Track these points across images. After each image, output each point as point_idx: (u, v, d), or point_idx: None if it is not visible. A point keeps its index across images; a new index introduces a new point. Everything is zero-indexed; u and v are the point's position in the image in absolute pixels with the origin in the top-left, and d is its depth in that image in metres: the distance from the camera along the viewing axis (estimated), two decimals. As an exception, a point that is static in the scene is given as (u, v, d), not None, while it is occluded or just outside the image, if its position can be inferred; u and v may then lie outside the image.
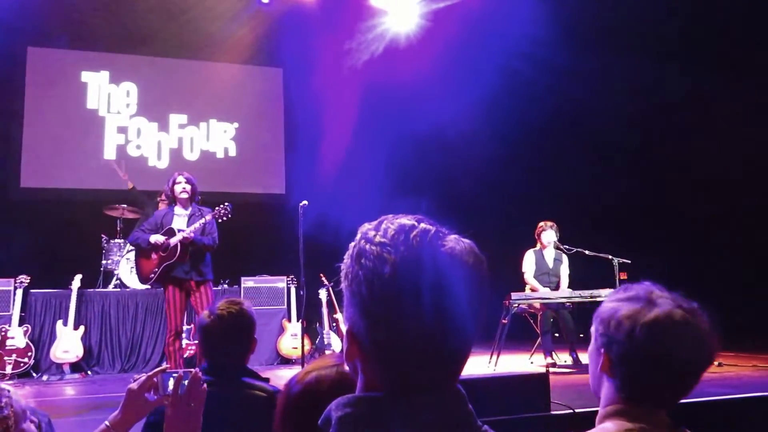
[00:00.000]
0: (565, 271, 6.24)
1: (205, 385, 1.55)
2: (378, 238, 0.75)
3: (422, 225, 0.76)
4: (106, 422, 1.51)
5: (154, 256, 4.95)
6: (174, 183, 5.04)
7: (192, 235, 4.83)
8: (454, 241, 0.76)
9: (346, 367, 1.38)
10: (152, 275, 4.94)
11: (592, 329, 1.26)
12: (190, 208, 5.05)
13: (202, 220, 4.91)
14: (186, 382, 1.53)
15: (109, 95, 9.27)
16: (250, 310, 2.19)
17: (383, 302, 0.73)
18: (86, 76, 9.20)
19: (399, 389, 0.73)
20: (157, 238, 4.87)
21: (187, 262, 4.87)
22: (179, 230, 4.89)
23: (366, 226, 0.79)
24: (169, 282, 4.89)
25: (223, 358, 2.08)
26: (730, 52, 7.49)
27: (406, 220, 0.77)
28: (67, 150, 8.86)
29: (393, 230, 0.75)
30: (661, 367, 1.15)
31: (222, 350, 2.09)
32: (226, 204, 5.00)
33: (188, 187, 5.02)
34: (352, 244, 0.79)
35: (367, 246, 0.75)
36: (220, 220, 4.99)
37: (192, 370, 1.56)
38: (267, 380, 2.14)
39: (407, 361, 0.73)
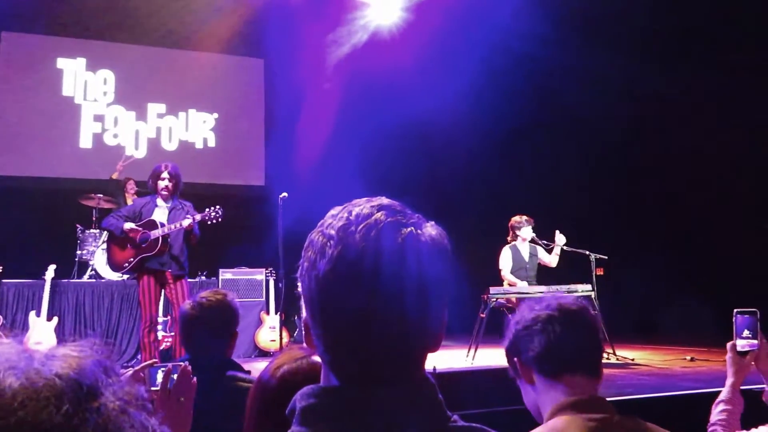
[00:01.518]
0: (544, 255, 6.24)
1: (195, 379, 1.53)
2: (329, 229, 0.73)
3: (377, 215, 0.72)
4: None
5: (130, 245, 4.81)
6: (158, 178, 4.85)
7: (191, 225, 4.71)
8: (411, 234, 0.72)
9: (316, 358, 1.40)
10: (126, 264, 4.82)
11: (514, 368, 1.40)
12: (171, 201, 4.92)
13: (190, 220, 4.73)
14: (175, 376, 1.51)
15: (85, 82, 9.11)
16: (234, 302, 2.18)
17: (319, 298, 0.72)
18: (62, 62, 9.02)
19: (360, 380, 0.72)
20: (132, 226, 4.72)
21: (165, 255, 4.78)
22: (160, 223, 4.78)
23: (330, 212, 0.77)
24: (144, 272, 4.77)
25: (203, 349, 2.06)
26: (715, 50, 7.59)
27: (366, 208, 0.74)
28: (42, 138, 8.69)
29: (345, 220, 0.72)
30: (549, 329, 1.29)
31: (202, 341, 2.08)
32: (218, 207, 4.83)
33: (170, 185, 4.85)
34: (311, 231, 0.77)
35: (317, 237, 0.74)
36: (209, 222, 4.84)
37: (181, 363, 1.55)
38: (248, 373, 2.13)
39: (349, 355, 0.72)
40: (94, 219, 7.44)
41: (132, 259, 4.79)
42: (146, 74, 9.35)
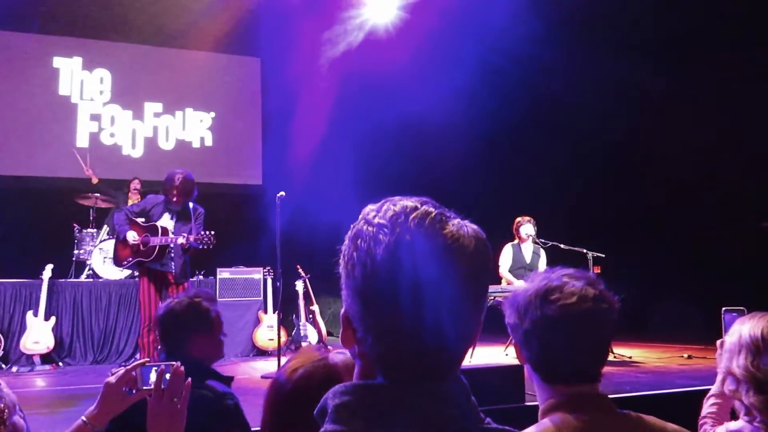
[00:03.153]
0: (542, 265, 6.29)
1: (189, 380, 1.51)
2: (377, 219, 0.73)
3: (424, 207, 0.73)
4: (83, 417, 1.47)
5: (132, 246, 4.94)
6: (173, 186, 4.93)
7: (187, 244, 4.80)
8: (457, 226, 0.73)
9: (333, 360, 1.39)
10: (125, 263, 5.07)
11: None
12: (181, 206, 5.03)
13: (182, 239, 4.80)
14: (168, 376, 1.48)
15: (81, 82, 9.09)
16: (207, 305, 2.16)
17: (375, 286, 0.70)
18: (58, 61, 9.00)
19: (397, 377, 0.71)
20: (134, 237, 4.86)
21: (166, 257, 4.90)
22: (162, 230, 4.88)
23: (368, 207, 0.77)
24: (145, 272, 4.91)
25: (175, 352, 2.07)
26: (707, 49, 7.60)
27: (409, 202, 0.74)
28: (39, 137, 8.66)
29: (393, 212, 0.73)
30: (549, 338, 1.15)
31: (172, 343, 2.10)
32: (211, 234, 4.87)
33: (180, 199, 4.96)
34: (353, 224, 0.77)
35: (365, 227, 0.73)
36: (200, 247, 4.89)
37: (174, 363, 1.52)
38: (230, 379, 2.14)
39: (401, 348, 0.70)
40: (91, 218, 7.43)
41: (130, 259, 4.98)
42: (143, 73, 9.33)
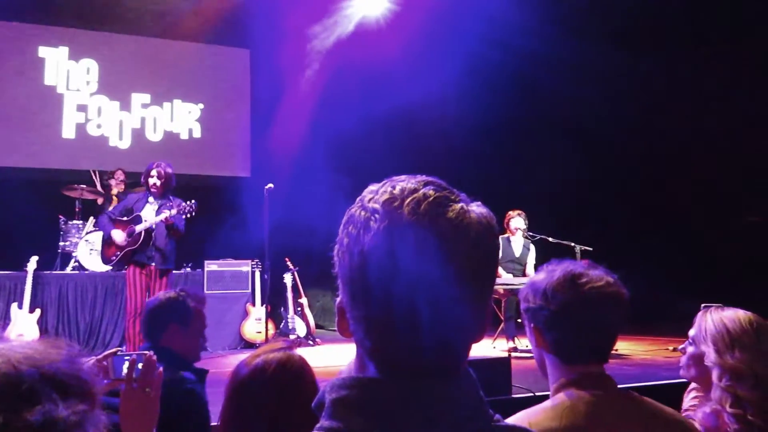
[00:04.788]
0: (531, 259, 6.32)
1: (161, 369, 1.50)
2: (371, 203, 0.68)
3: (424, 190, 0.67)
4: None
5: (118, 241, 5.06)
6: (148, 175, 5.13)
7: (172, 219, 4.96)
8: (458, 212, 0.67)
9: (294, 351, 1.42)
10: (114, 258, 5.12)
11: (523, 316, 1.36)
12: (161, 199, 5.16)
13: (167, 213, 4.97)
14: (140, 366, 1.47)
15: (68, 72, 8.98)
16: (192, 303, 2.22)
17: (362, 276, 0.66)
18: (44, 51, 8.88)
19: (390, 371, 0.66)
20: (116, 235, 5.03)
21: (151, 248, 5.00)
22: (145, 219, 5.02)
23: (369, 188, 0.71)
24: (131, 264, 5.03)
25: (154, 342, 2.16)
26: (701, 44, 7.64)
27: (410, 183, 0.68)
28: (24, 128, 8.55)
29: (389, 195, 0.67)
30: (576, 320, 1.24)
31: (152, 333, 2.19)
32: (192, 201, 5.07)
33: (159, 183, 5.10)
34: (350, 207, 0.72)
35: (358, 212, 0.68)
36: (184, 216, 5.07)
37: (146, 353, 1.51)
38: (205, 372, 2.20)
39: (392, 342, 0.66)
40: (77, 210, 7.36)
41: (119, 253, 5.04)
42: (130, 64, 9.23)
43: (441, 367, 0.67)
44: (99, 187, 7.61)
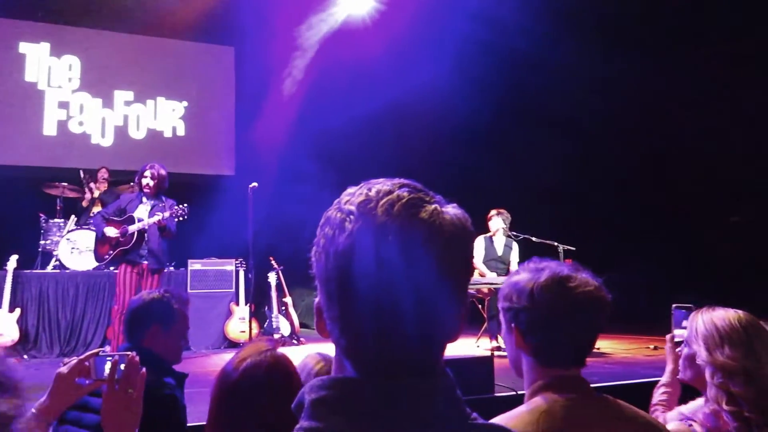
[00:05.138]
0: (515, 258, 6.37)
1: (144, 370, 1.49)
2: (347, 205, 0.69)
3: (398, 192, 0.69)
4: (33, 409, 1.42)
5: (111, 235, 5.19)
6: (141, 176, 5.27)
7: (165, 221, 5.10)
8: (431, 213, 0.68)
9: (280, 351, 1.41)
10: (107, 257, 5.21)
11: (500, 315, 1.34)
12: (154, 199, 5.29)
13: (159, 216, 5.08)
14: (123, 366, 1.44)
15: (49, 68, 8.87)
16: (176, 305, 2.19)
17: (336, 276, 0.67)
18: (24, 47, 8.76)
19: (367, 371, 0.67)
20: (111, 232, 5.14)
21: (143, 248, 5.13)
22: (139, 219, 5.14)
23: (347, 191, 0.73)
24: (123, 262, 5.13)
25: (133, 341, 2.13)
26: (691, 44, 7.72)
27: (385, 186, 0.70)
28: (4, 124, 8.44)
29: (364, 197, 0.69)
30: (563, 323, 1.22)
31: (132, 332, 2.16)
32: (184, 205, 5.22)
33: (152, 183, 5.23)
34: (328, 209, 0.73)
35: (334, 213, 0.70)
36: (176, 219, 5.21)
37: (128, 353, 1.48)
38: (184, 376, 2.16)
39: (367, 342, 0.67)
40: (58, 208, 7.27)
41: (111, 252, 5.16)
42: (113, 61, 9.13)
43: (418, 366, 0.68)
44: (87, 187, 7.51)
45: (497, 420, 1.17)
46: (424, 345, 0.68)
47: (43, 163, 8.38)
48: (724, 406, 1.54)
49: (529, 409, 1.20)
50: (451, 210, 0.71)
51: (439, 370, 0.70)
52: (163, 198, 5.33)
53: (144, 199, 5.26)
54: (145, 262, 5.11)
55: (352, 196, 0.70)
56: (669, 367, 2.14)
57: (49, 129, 8.73)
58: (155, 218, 5.05)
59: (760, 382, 1.50)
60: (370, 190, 0.70)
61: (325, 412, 0.67)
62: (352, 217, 0.67)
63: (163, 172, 5.30)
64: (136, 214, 5.18)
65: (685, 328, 1.97)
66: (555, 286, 1.23)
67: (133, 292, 5.05)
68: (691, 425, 1.54)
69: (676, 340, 2.08)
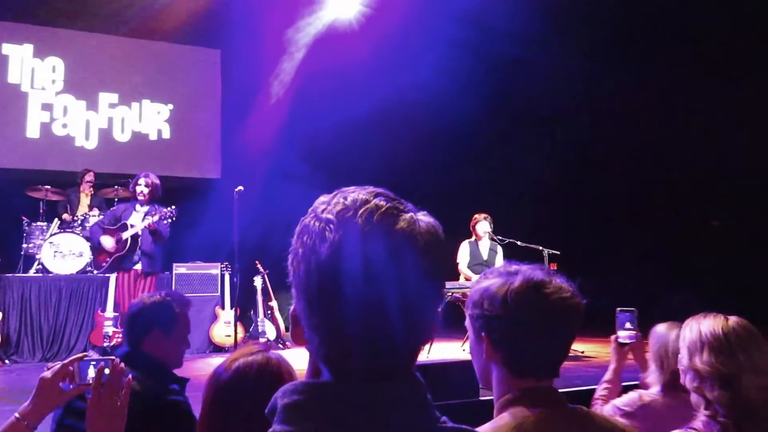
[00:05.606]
0: (499, 262, 6.40)
1: (130, 376, 1.47)
2: (325, 214, 0.70)
3: (375, 201, 0.70)
4: (16, 414, 1.41)
5: (108, 247, 5.47)
6: (135, 184, 5.54)
7: (155, 225, 5.38)
8: (409, 221, 0.70)
9: (271, 354, 1.39)
10: (104, 264, 5.48)
11: (467, 322, 1.25)
12: (147, 206, 5.56)
13: (149, 219, 5.35)
14: (107, 371, 1.43)
15: (32, 70, 8.78)
16: (177, 308, 2.16)
17: (319, 285, 0.68)
18: (7, 48, 8.67)
19: (345, 376, 0.69)
20: (106, 242, 5.42)
21: (137, 253, 5.40)
22: (131, 225, 5.39)
23: (320, 199, 0.73)
24: (120, 269, 5.43)
25: (135, 346, 2.09)
26: (674, 49, 7.81)
27: (361, 194, 0.71)
28: (-15, 126, 8.34)
29: (342, 206, 0.70)
30: (538, 331, 1.15)
31: (134, 336, 2.11)
32: (172, 207, 5.48)
33: (146, 190, 5.50)
34: (303, 218, 0.74)
35: (312, 222, 0.70)
36: (165, 221, 5.46)
37: (113, 358, 1.47)
38: (185, 380, 2.12)
39: (348, 349, 0.68)
40: (41, 211, 7.19)
41: (108, 259, 5.42)
42: (98, 63, 9.06)
43: (392, 370, 0.69)
44: (79, 190, 7.43)
45: None
46: (404, 350, 0.70)
47: (26, 166, 8.29)
48: (703, 411, 1.56)
49: (498, 426, 1.13)
50: (424, 218, 0.73)
51: (411, 373, 0.72)
52: (156, 206, 5.58)
53: (138, 207, 5.51)
54: (138, 266, 5.34)
55: (328, 204, 0.71)
56: (612, 366, 2.29)
57: (32, 131, 8.64)
58: (146, 222, 5.28)
59: (736, 389, 1.50)
60: (345, 198, 0.71)
61: (296, 417, 0.67)
62: (331, 226, 0.68)
63: (156, 180, 5.60)
64: (129, 222, 5.41)
65: (629, 329, 2.27)
66: (529, 292, 1.14)
67: (130, 296, 5.30)
68: None
69: (620, 341, 2.26)
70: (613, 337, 2.30)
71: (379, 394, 0.68)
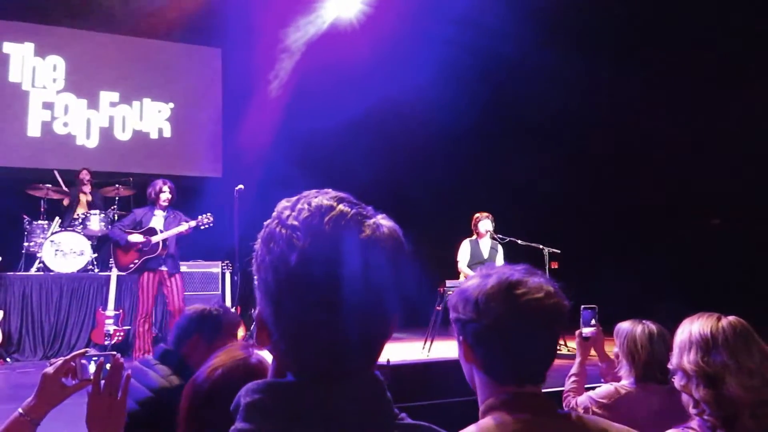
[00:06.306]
0: (500, 261, 6.40)
1: (128, 372, 1.48)
2: (290, 221, 0.71)
3: (340, 207, 0.71)
4: (20, 409, 1.42)
5: (134, 249, 5.60)
6: (160, 191, 5.70)
7: (191, 230, 5.63)
8: (373, 227, 0.71)
9: (255, 359, 1.33)
10: (132, 265, 5.60)
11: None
12: (167, 211, 5.77)
13: (185, 226, 5.54)
14: (108, 367, 1.44)
15: (33, 68, 8.78)
16: (219, 317, 2.21)
17: (289, 292, 0.69)
18: (8, 47, 8.67)
19: (311, 376, 0.70)
20: (136, 238, 5.54)
21: (164, 255, 5.60)
22: (160, 230, 5.58)
23: (282, 204, 0.75)
24: (144, 270, 5.56)
25: (175, 347, 2.15)
26: (670, 50, 7.81)
27: (324, 200, 0.72)
28: (-13, 125, 8.35)
29: (307, 212, 0.71)
30: (510, 336, 1.08)
31: (175, 339, 2.18)
32: (209, 214, 5.64)
33: (170, 197, 5.72)
34: (267, 222, 0.74)
35: (278, 228, 0.71)
36: (201, 227, 5.65)
37: (114, 353, 1.48)
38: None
39: (314, 351, 0.70)
40: (42, 210, 7.20)
41: (137, 261, 5.56)
42: (99, 61, 9.07)
43: (353, 370, 0.71)
44: (63, 187, 7.44)
45: None
46: (363, 351, 0.72)
47: (27, 165, 8.30)
48: (691, 410, 1.56)
49: (477, 430, 1.08)
50: (386, 222, 0.74)
51: (370, 373, 0.74)
52: (172, 210, 5.80)
53: (157, 212, 5.72)
54: (165, 268, 5.56)
55: (293, 210, 0.72)
56: (577, 360, 2.48)
57: (34, 130, 8.65)
58: (182, 227, 5.51)
59: (722, 388, 1.50)
60: (310, 204, 0.72)
61: (258, 416, 0.69)
62: (298, 233, 0.69)
63: (173, 185, 5.84)
64: (154, 226, 5.64)
65: (592, 326, 2.51)
66: (500, 295, 1.08)
67: (155, 296, 5.62)
68: None
69: (584, 335, 2.49)
70: (577, 332, 2.51)
71: (338, 394, 0.69)
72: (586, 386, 2.46)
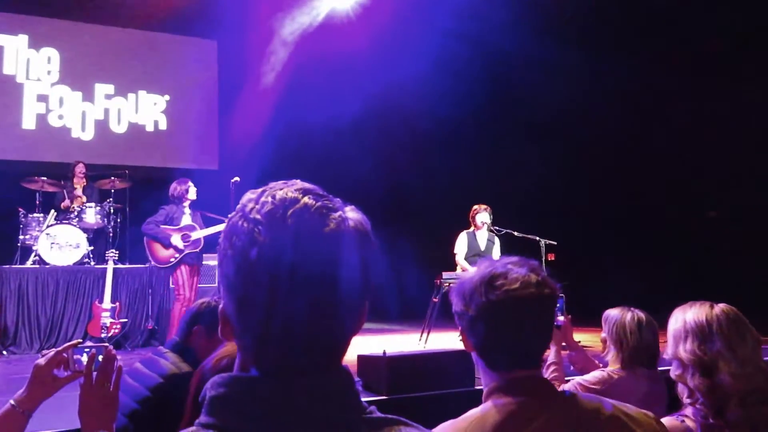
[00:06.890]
0: (497, 253, 6.40)
1: (120, 363, 1.47)
2: (253, 214, 0.69)
3: (305, 199, 0.70)
4: (11, 401, 1.41)
5: (174, 245, 5.79)
6: (188, 190, 5.92)
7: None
8: (338, 220, 0.70)
9: None
10: (173, 260, 5.79)
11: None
12: (191, 209, 5.99)
13: (221, 227, 5.58)
14: (100, 358, 1.44)
15: (28, 60, 8.73)
16: (216, 307, 2.27)
17: (250, 287, 0.68)
18: (2, 39, 8.61)
19: (274, 371, 0.69)
20: (177, 241, 5.79)
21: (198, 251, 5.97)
22: (197, 227, 5.86)
23: (247, 196, 0.72)
24: (181, 264, 5.81)
25: (180, 338, 2.29)
26: (669, 45, 7.81)
27: (289, 192, 0.70)
28: (-19, 117, 8.30)
29: (271, 205, 0.69)
30: (493, 326, 1.17)
31: (180, 331, 2.31)
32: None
33: (195, 195, 5.99)
34: (230, 215, 0.73)
35: (241, 222, 0.70)
36: None
37: (106, 344, 1.48)
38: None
39: (277, 346, 0.69)
40: (37, 203, 7.17)
41: (177, 255, 5.78)
42: (93, 53, 9.01)
43: (318, 364, 0.70)
44: (66, 183, 7.41)
45: (441, 427, 1.14)
46: (330, 345, 0.71)
47: (22, 157, 8.27)
48: (685, 399, 1.57)
49: (466, 416, 1.15)
50: (353, 215, 0.73)
51: (338, 366, 0.72)
52: (191, 206, 6.05)
53: (186, 210, 5.95)
54: (196, 263, 5.88)
55: (256, 203, 0.70)
56: (553, 348, 2.57)
57: (28, 122, 8.61)
58: (220, 227, 5.59)
59: (716, 376, 1.50)
60: (274, 197, 0.70)
61: (221, 409, 0.68)
62: (260, 227, 0.68)
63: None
64: (184, 223, 5.87)
65: (560, 316, 2.63)
66: (482, 287, 1.17)
67: (193, 285, 5.87)
68: (683, 420, 1.56)
69: (556, 324, 2.48)
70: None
71: (301, 388, 0.68)
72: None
